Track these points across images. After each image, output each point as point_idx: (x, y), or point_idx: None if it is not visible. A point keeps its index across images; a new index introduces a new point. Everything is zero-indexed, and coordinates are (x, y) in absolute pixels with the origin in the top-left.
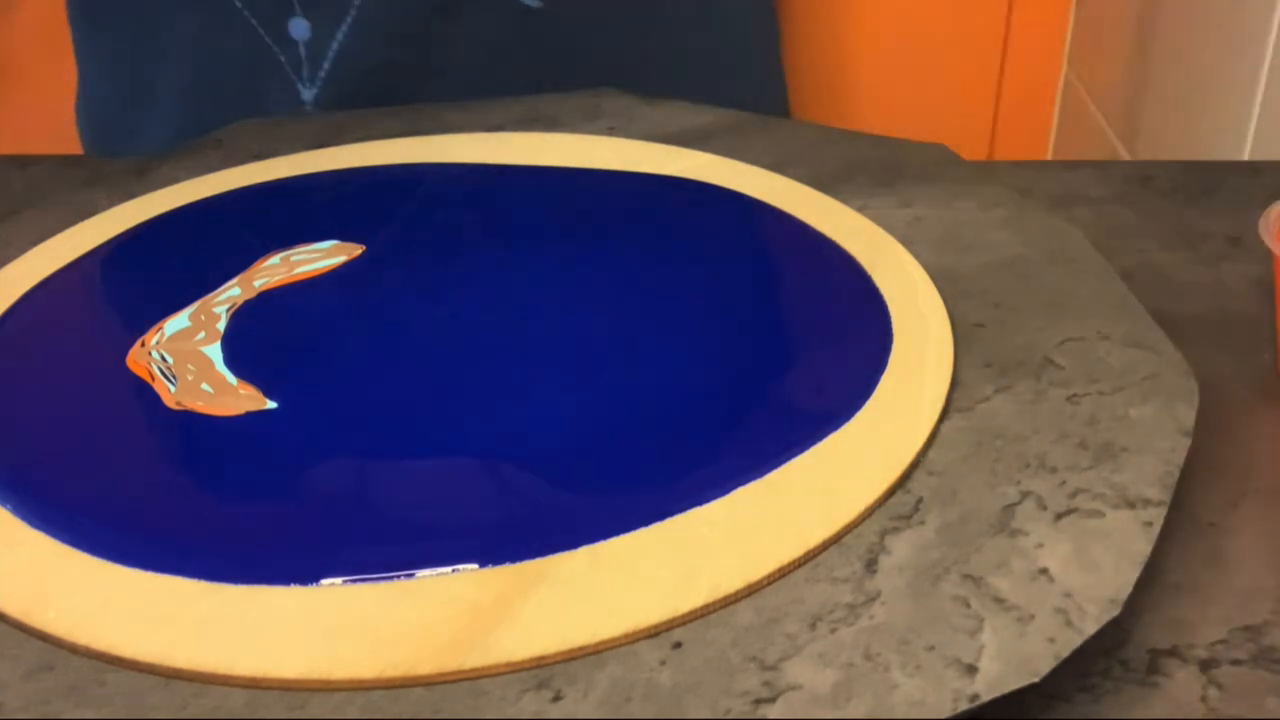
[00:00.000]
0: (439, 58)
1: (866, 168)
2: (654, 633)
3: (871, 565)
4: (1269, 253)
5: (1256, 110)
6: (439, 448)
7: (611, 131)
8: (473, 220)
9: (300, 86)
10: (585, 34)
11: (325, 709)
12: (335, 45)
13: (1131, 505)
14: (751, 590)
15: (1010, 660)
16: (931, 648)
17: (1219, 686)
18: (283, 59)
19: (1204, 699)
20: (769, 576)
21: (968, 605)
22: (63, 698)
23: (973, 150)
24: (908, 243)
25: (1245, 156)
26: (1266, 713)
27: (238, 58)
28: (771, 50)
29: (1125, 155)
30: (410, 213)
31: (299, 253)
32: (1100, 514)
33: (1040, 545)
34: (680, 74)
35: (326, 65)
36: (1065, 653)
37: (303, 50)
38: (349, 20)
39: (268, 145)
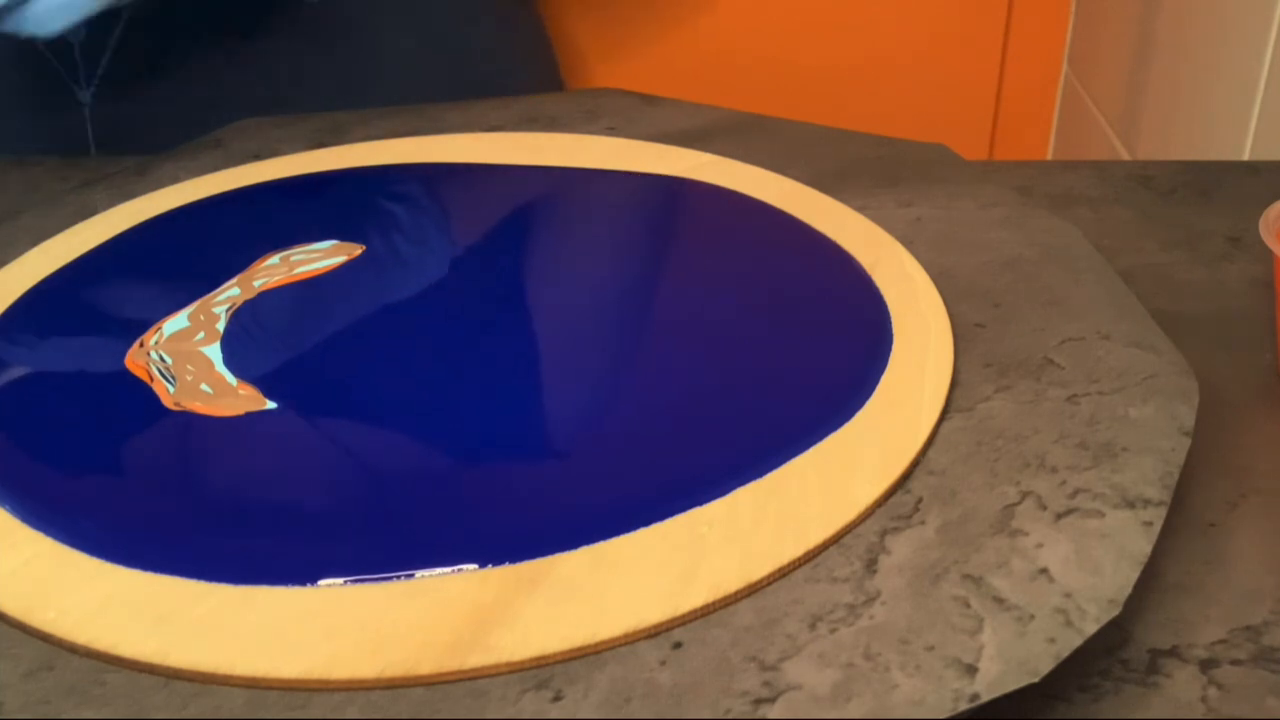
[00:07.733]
0: (216, 53)
1: (866, 168)
2: (654, 633)
3: (871, 565)
4: (1269, 253)
5: (1256, 110)
6: (439, 447)
7: (611, 131)
8: (472, 220)
9: (76, 88)
10: (360, 32)
11: (325, 709)
12: (111, 43)
13: (1131, 505)
14: (751, 590)
15: (1010, 660)
16: (931, 648)
17: (1219, 686)
18: (55, 62)
19: (1204, 699)
20: (769, 576)
21: (968, 605)
22: (63, 698)
23: (973, 150)
24: (908, 243)
25: (1245, 156)
26: (1266, 713)
27: (8, 63)
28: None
29: (1125, 155)
30: (410, 213)
31: (299, 253)
32: (1100, 514)
33: (1040, 545)
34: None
35: (103, 65)
36: (1065, 653)
37: (77, 52)
38: (124, 19)
39: (268, 145)
